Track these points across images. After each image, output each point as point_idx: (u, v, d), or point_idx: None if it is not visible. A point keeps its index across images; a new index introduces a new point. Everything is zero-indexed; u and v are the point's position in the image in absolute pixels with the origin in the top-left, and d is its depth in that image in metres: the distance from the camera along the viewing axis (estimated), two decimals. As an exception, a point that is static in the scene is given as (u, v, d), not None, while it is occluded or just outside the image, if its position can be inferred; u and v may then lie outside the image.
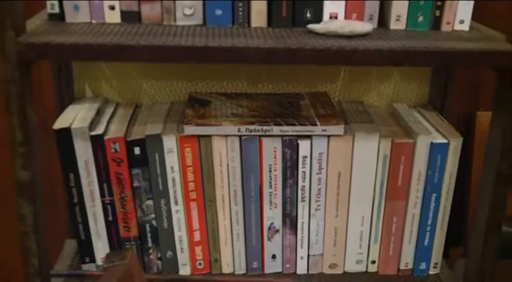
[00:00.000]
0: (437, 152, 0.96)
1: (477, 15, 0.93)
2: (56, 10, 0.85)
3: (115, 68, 1.08)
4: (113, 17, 0.86)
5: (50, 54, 0.78)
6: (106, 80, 1.08)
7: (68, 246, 1.09)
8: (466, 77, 1.16)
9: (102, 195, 0.97)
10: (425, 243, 1.03)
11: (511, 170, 0.85)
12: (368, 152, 0.96)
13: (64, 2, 0.85)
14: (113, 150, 0.93)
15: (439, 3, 0.88)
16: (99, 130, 0.93)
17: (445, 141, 0.96)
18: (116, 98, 1.09)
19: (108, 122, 0.98)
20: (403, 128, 1.00)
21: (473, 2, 0.89)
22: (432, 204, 1.00)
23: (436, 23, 0.89)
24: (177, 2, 0.86)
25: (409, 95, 1.13)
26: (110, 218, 0.98)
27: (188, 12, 0.86)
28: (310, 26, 0.85)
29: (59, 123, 0.93)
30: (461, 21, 0.90)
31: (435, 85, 1.10)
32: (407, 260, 1.04)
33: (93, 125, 0.94)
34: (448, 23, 0.89)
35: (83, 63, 1.07)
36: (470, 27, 0.91)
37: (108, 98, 1.08)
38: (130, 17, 0.86)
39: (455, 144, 0.96)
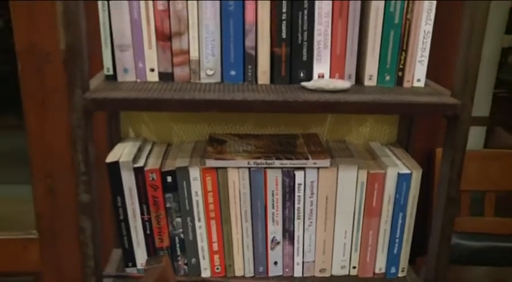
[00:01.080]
0: (403, 180, 1.01)
1: (431, 75, 1.00)
2: (111, 72, 0.95)
3: (152, 114, 1.15)
4: (153, 77, 0.95)
5: (107, 107, 0.87)
6: (145, 124, 1.15)
7: (115, 254, 1.14)
8: (426, 121, 1.22)
9: (142, 213, 1.02)
10: (395, 251, 1.07)
11: (457, 195, 0.92)
12: (349, 180, 1.01)
13: (117, 67, 0.94)
14: (150, 179, 1.00)
15: (401, 66, 0.96)
16: (140, 163, 1.00)
17: (408, 172, 1.01)
18: (153, 138, 1.16)
19: (147, 157, 1.04)
20: (376, 161, 1.06)
21: (426, 66, 0.96)
22: (399, 221, 1.04)
23: (399, 81, 0.97)
24: (201, 65, 0.95)
25: (382, 135, 1.18)
26: (148, 232, 1.03)
27: (210, 73, 0.95)
28: (303, 83, 0.93)
29: (110, 158, 1.00)
30: (418, 80, 0.97)
31: (402, 127, 1.16)
32: (381, 265, 1.08)
33: (135, 159, 1.01)
34: (408, 81, 0.97)
35: (128, 112, 1.15)
36: (425, 84, 0.98)
37: (146, 138, 1.15)
38: (165, 76, 0.95)
39: (417, 174, 1.02)
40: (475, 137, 2.55)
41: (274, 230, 1.04)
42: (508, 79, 3.64)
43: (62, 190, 1.31)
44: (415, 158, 1.08)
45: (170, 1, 0.90)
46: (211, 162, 0.99)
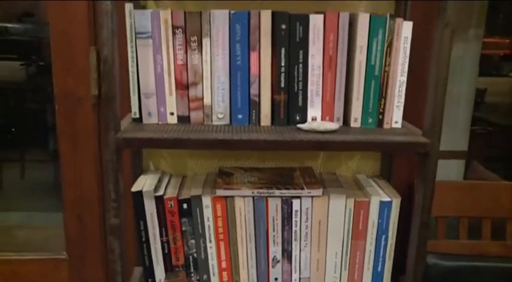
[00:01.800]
0: (384, 207, 1.08)
1: (407, 117, 1.08)
2: (137, 116, 1.04)
3: (170, 151, 1.23)
4: (172, 120, 1.04)
5: (135, 145, 0.96)
6: (164, 159, 1.23)
7: (136, 271, 1.19)
8: (405, 156, 1.28)
9: (161, 236, 1.09)
10: (379, 269, 1.12)
11: (429, 220, 0.99)
12: (338, 207, 1.08)
13: (142, 111, 1.04)
14: (169, 206, 1.07)
15: (381, 110, 1.05)
16: (160, 192, 1.08)
17: (389, 199, 1.08)
18: (170, 171, 1.24)
19: (166, 187, 1.12)
20: (362, 191, 1.13)
21: (402, 110, 1.05)
22: (382, 243, 1.10)
23: (380, 123, 1.05)
24: (213, 109, 1.04)
25: (367, 169, 1.26)
26: (166, 251, 1.09)
27: (220, 116, 1.04)
28: (299, 125, 1.02)
29: (135, 188, 1.08)
30: (396, 122, 1.06)
31: (384, 162, 1.24)
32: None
33: (156, 189, 1.09)
34: (387, 123, 1.05)
35: (148, 149, 1.22)
36: (402, 125, 1.06)
37: (164, 171, 1.23)
38: (183, 119, 1.04)
39: (396, 202, 1.09)
40: (456, 169, 2.61)
41: (275, 250, 1.11)
42: (485, 117, 3.74)
43: (89, 216, 1.39)
44: (397, 189, 1.15)
45: (188, 57, 1.01)
46: (220, 192, 1.07)
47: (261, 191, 1.07)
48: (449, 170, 2.67)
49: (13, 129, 3.32)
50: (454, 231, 1.47)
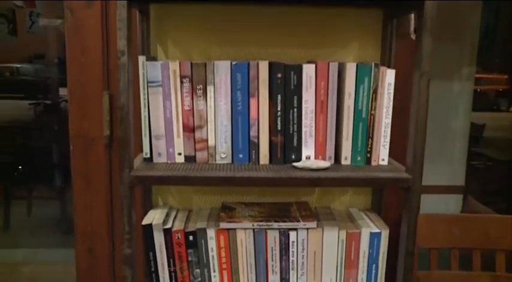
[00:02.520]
0: (374, 238, 1.19)
1: (394, 154, 1.21)
2: (148, 155, 1.17)
3: (177, 187, 1.35)
4: (180, 159, 1.17)
5: (146, 182, 1.08)
6: (171, 195, 1.35)
7: None
8: (394, 191, 1.39)
9: (169, 266, 1.19)
10: None
11: (413, 248, 1.10)
12: (332, 239, 1.19)
13: (153, 151, 1.16)
14: (176, 238, 1.18)
15: (369, 149, 1.17)
16: (168, 225, 1.19)
17: (379, 231, 1.19)
18: (177, 205, 1.35)
19: (173, 220, 1.23)
20: (354, 223, 1.24)
21: (388, 149, 1.18)
22: (373, 271, 1.20)
23: (368, 161, 1.17)
24: (217, 150, 1.17)
25: (359, 203, 1.37)
26: (173, 281, 1.20)
27: (223, 156, 1.17)
28: (294, 164, 1.14)
29: (145, 221, 1.19)
30: (383, 159, 1.18)
31: (375, 197, 1.35)
32: (360, 308, 1.24)
33: (164, 222, 1.20)
34: (375, 160, 1.17)
35: (157, 186, 1.34)
36: (389, 162, 1.18)
37: (172, 206, 1.35)
38: (189, 159, 1.17)
39: (385, 233, 1.19)
40: (454, 204, 2.70)
41: (274, 279, 1.21)
42: (484, 152, 3.85)
43: (100, 250, 1.50)
44: (387, 221, 1.26)
45: (194, 103, 1.15)
46: (224, 225, 1.18)
47: (261, 223, 1.18)
48: (448, 204, 2.77)
49: (20, 167, 3.45)
50: (446, 262, 1.56)
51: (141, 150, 1.18)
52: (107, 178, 1.48)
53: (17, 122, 3.65)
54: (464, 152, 2.94)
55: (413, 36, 1.29)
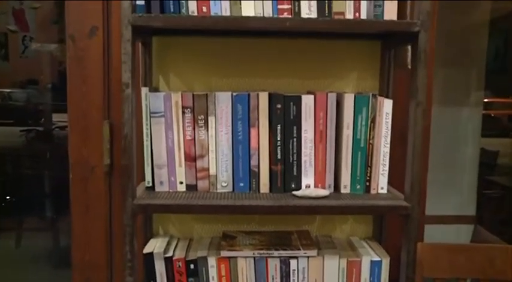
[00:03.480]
0: (375, 266, 1.29)
1: (393, 182, 1.31)
2: (150, 184, 1.28)
3: (178, 216, 1.46)
4: (181, 188, 1.28)
5: (149, 210, 1.20)
6: (172, 223, 1.46)
7: None
8: (395, 219, 1.45)
9: None
10: None
11: (413, 276, 1.19)
12: (332, 267, 1.29)
13: (155, 180, 1.27)
14: (177, 266, 1.28)
15: (368, 177, 1.28)
16: (169, 254, 1.29)
17: (379, 259, 1.29)
18: (178, 234, 1.46)
19: (174, 249, 1.33)
20: (355, 252, 1.33)
21: (387, 177, 1.28)
22: None
23: (367, 189, 1.28)
24: (218, 179, 1.28)
25: (360, 232, 1.48)
26: None
27: (224, 184, 1.28)
28: (294, 192, 1.25)
29: (146, 250, 1.30)
30: (382, 188, 1.29)
31: (376, 225, 1.46)
32: None
33: (165, 250, 1.30)
34: (374, 189, 1.28)
35: (159, 214, 1.45)
36: (388, 190, 1.29)
37: (173, 235, 1.45)
38: (191, 187, 1.28)
39: (386, 261, 1.29)
40: (465, 234, 2.78)
41: (275, 308, 1.31)
42: (498, 180, 3.92)
43: (97, 279, 1.59)
44: (388, 250, 1.36)
45: (195, 133, 1.26)
46: (224, 253, 1.28)
47: (261, 252, 1.29)
48: (459, 234, 2.85)
49: (9, 197, 3.52)
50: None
51: (143, 179, 1.29)
52: (107, 207, 1.57)
53: (7, 149, 3.74)
54: (474, 181, 3.04)
55: (410, 66, 1.42)
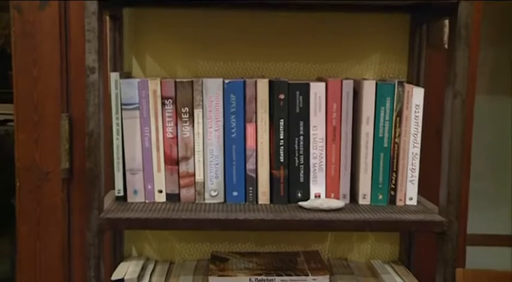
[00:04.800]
0: None
1: (425, 192, 1.35)
2: (121, 193, 1.31)
3: (155, 233, 1.49)
4: (160, 198, 1.32)
5: (120, 226, 1.24)
6: (148, 242, 1.49)
7: None
8: (427, 238, 1.51)
9: None
10: None
11: None
12: None
13: (127, 188, 1.31)
14: None
15: (392, 185, 1.32)
16: (144, 281, 1.33)
17: None
18: (155, 256, 1.49)
19: (151, 275, 1.37)
20: (377, 279, 1.37)
21: (417, 185, 1.32)
22: None
23: (392, 200, 1.32)
24: (205, 186, 1.32)
25: (383, 253, 1.52)
26: None
27: (213, 194, 1.32)
28: (300, 203, 1.28)
29: (115, 275, 1.33)
30: (411, 198, 1.32)
31: (403, 245, 1.50)
32: None
33: (139, 277, 1.33)
34: (401, 199, 1.32)
35: (131, 230, 1.48)
36: (418, 202, 1.32)
37: (149, 257, 1.48)
38: (172, 197, 1.32)
39: None
40: (503, 258, 2.80)
41: None
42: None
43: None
44: (418, 276, 1.40)
45: (178, 129, 1.30)
46: (214, 279, 1.32)
47: (260, 278, 1.32)
48: (502, 259, 2.87)
49: None
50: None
51: (113, 187, 1.33)
52: (64, 222, 1.59)
53: None
54: (508, 197, 3.04)
55: (447, 46, 1.45)
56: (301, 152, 1.31)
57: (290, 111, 1.30)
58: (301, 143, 1.31)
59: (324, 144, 1.32)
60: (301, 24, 1.46)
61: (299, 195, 1.33)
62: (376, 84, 1.30)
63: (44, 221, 1.60)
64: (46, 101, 1.58)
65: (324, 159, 1.32)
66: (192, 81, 1.30)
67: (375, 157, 1.32)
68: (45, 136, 1.58)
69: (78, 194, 1.58)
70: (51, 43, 1.56)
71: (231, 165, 1.31)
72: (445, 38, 1.48)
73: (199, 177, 1.32)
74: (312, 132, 1.31)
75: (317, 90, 1.30)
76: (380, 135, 1.31)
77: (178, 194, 1.32)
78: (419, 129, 1.32)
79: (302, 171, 1.32)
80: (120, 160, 1.31)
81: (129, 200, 1.32)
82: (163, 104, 1.30)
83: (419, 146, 1.32)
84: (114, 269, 1.39)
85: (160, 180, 1.32)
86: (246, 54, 1.46)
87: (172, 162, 1.31)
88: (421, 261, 1.51)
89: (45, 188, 1.59)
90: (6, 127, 3.45)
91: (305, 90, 1.30)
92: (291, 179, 1.32)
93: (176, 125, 1.30)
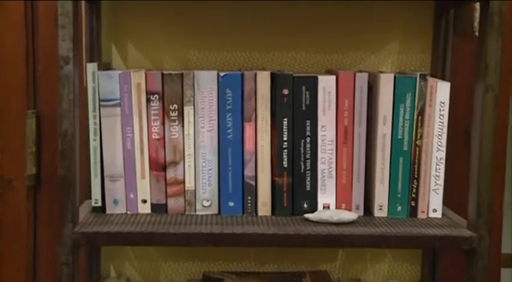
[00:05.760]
0: None
1: (451, 203, 1.38)
2: (99, 204, 1.34)
3: (138, 250, 1.51)
4: (145, 209, 1.34)
5: (98, 241, 1.25)
6: (129, 261, 1.52)
7: None
8: (453, 256, 1.55)
9: None
10: None
11: None
12: None
13: (106, 198, 1.34)
14: None
15: (413, 195, 1.34)
16: (125, 305, 1.39)
17: None
18: (137, 277, 1.52)
19: (133, 298, 1.43)
20: None
21: (442, 195, 1.34)
22: None
23: (413, 212, 1.34)
24: (197, 196, 1.34)
25: (403, 274, 1.54)
26: None
27: (206, 204, 1.35)
28: (306, 215, 1.31)
29: (92, 299, 1.39)
30: (435, 210, 1.35)
31: (426, 265, 1.52)
32: None
33: None
34: (423, 211, 1.34)
35: (110, 247, 1.51)
36: (443, 214, 1.35)
37: (129, 278, 1.51)
38: (158, 208, 1.34)
39: None
40: None
41: None
42: None
43: None
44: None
45: (165, 129, 1.33)
46: (206, 304, 1.36)
47: (259, 302, 1.36)
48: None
49: None
50: None
51: (89, 197, 1.36)
52: (29, 237, 1.61)
53: None
54: None
55: (478, 34, 1.48)
56: (307, 156, 1.34)
57: (295, 108, 1.33)
58: (308, 145, 1.34)
59: (333, 147, 1.34)
60: (308, 8, 1.49)
61: (305, 206, 1.35)
62: (395, 77, 1.32)
63: (6, 235, 1.62)
64: (9, 97, 1.60)
65: (333, 165, 1.35)
66: (181, 74, 1.33)
67: (393, 162, 1.35)
68: (8, 137, 1.61)
69: (47, 204, 1.60)
70: (15, 28, 1.58)
71: (227, 171, 1.34)
72: (475, 24, 1.50)
73: (189, 184, 1.35)
74: (320, 133, 1.34)
75: (326, 84, 1.33)
76: (399, 137, 1.34)
77: (166, 205, 1.35)
78: (445, 129, 1.34)
79: (308, 179, 1.35)
80: (98, 165, 1.34)
81: (108, 211, 1.35)
82: (148, 100, 1.33)
83: (444, 149, 1.35)
84: (90, 292, 1.42)
85: (144, 188, 1.35)
86: (244, 42, 1.49)
87: (159, 167, 1.34)
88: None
89: (8, 197, 1.62)
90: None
91: (312, 84, 1.32)
92: (295, 187, 1.35)
93: (163, 124, 1.33)
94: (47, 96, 1.58)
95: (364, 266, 1.55)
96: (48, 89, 1.57)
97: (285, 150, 1.34)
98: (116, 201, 1.35)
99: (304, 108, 1.33)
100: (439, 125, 1.34)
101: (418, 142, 1.35)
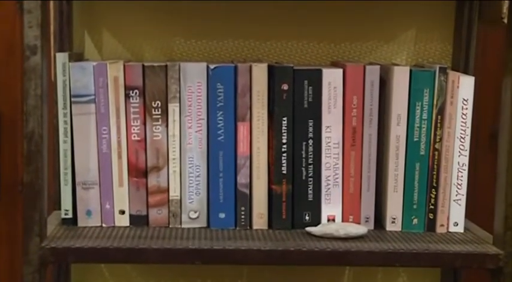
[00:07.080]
0: None
1: (474, 216, 1.39)
2: (69, 215, 1.34)
3: (114, 269, 1.52)
4: (122, 221, 1.35)
5: (69, 258, 1.25)
6: (104, 280, 1.52)
7: None
8: (476, 275, 1.56)
9: None
10: None
11: None
12: None
13: (78, 208, 1.33)
14: None
15: (431, 206, 1.35)
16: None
17: None
18: None
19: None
20: None
21: (464, 206, 1.35)
22: None
23: (431, 225, 1.35)
24: (183, 206, 1.34)
25: (419, 296, 1.56)
26: None
27: (193, 215, 1.35)
28: (308, 229, 1.31)
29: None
30: (456, 224, 1.35)
31: None
32: None
33: None
34: (442, 225, 1.35)
35: (82, 265, 1.51)
36: (466, 228, 1.35)
37: None
38: (138, 220, 1.34)
39: None
40: None
41: None
42: None
43: None
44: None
45: (147, 130, 1.33)
46: (193, 330, 1.36)
47: (254, 328, 1.37)
48: None
49: None
50: None
51: (58, 207, 1.36)
52: None
53: None
54: None
55: (506, 21, 1.48)
56: (309, 161, 1.35)
57: (296, 106, 1.33)
58: (310, 149, 1.35)
59: (340, 150, 1.35)
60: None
61: (307, 218, 1.36)
62: (411, 71, 1.33)
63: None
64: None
65: (340, 171, 1.36)
66: (165, 66, 1.33)
67: (408, 168, 1.35)
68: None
69: (8, 216, 1.61)
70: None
71: (217, 177, 1.35)
72: (504, 10, 1.50)
73: (174, 193, 1.35)
74: (324, 134, 1.34)
75: (332, 78, 1.33)
76: (415, 140, 1.35)
77: (147, 216, 1.35)
78: (468, 131, 1.35)
79: (311, 187, 1.35)
80: (69, 170, 1.34)
81: (81, 223, 1.35)
82: (127, 96, 1.33)
83: (467, 154, 1.35)
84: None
85: (122, 197, 1.35)
86: (238, 30, 1.50)
87: (139, 173, 1.35)
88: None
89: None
90: None
91: (316, 78, 1.33)
92: (296, 196, 1.35)
93: (144, 124, 1.34)
94: (8, 92, 1.58)
95: (374, 287, 1.56)
96: (9, 84, 1.57)
97: (284, 154, 1.34)
98: (89, 212, 1.35)
99: (306, 106, 1.34)
100: (462, 125, 1.35)
101: (437, 145, 1.35)
